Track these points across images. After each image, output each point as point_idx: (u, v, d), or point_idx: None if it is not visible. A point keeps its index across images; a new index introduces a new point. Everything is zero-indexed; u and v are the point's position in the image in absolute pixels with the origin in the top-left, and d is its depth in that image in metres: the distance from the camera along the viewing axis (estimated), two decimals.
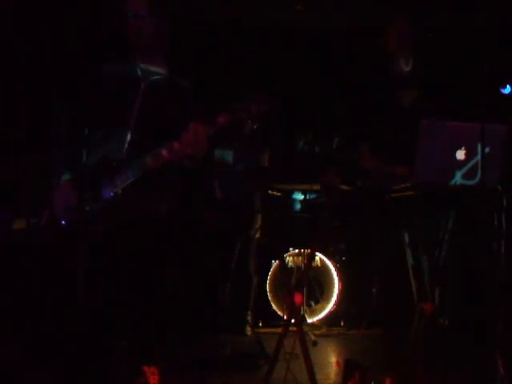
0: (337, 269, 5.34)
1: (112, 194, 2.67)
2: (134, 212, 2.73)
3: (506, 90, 2.98)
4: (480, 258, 2.90)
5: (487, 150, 2.87)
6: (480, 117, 2.85)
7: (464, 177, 2.97)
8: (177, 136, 2.68)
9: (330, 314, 5.29)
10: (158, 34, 2.86)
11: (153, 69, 2.91)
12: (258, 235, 5.20)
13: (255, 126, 4.72)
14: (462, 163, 2.96)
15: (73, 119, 2.84)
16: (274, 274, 5.44)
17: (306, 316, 5.06)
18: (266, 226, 5.23)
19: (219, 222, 5.10)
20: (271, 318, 5.32)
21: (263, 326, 5.27)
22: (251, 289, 5.17)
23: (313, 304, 5.32)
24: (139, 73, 2.88)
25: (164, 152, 2.66)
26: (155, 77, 2.89)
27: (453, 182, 2.97)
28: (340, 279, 5.32)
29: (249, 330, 5.02)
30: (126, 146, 2.76)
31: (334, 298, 5.28)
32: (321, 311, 5.29)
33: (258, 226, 5.22)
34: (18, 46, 5.02)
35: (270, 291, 5.41)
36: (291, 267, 5.36)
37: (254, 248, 5.21)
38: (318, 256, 5.37)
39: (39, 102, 4.72)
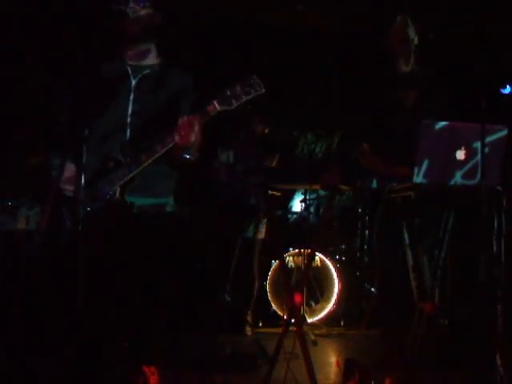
0: (337, 269, 5.34)
1: (111, 192, 2.68)
2: (133, 212, 2.73)
3: (506, 90, 2.98)
4: (480, 258, 2.89)
5: (487, 150, 2.87)
6: (480, 117, 2.85)
7: (464, 177, 2.97)
8: (171, 126, 2.70)
9: (330, 313, 5.29)
10: (152, 23, 2.85)
11: (142, 64, 2.89)
12: (261, 236, 5.19)
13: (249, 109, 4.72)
14: (462, 163, 2.96)
15: (72, 119, 2.84)
16: (273, 274, 5.43)
17: (306, 316, 5.06)
18: (268, 226, 5.22)
19: (219, 221, 5.10)
20: (271, 318, 5.32)
21: (263, 326, 5.27)
22: (254, 289, 5.17)
23: (313, 304, 5.32)
24: (129, 70, 2.87)
25: (158, 146, 2.67)
26: (145, 71, 2.88)
27: (453, 182, 2.97)
28: (340, 279, 5.31)
29: (249, 330, 5.01)
30: (125, 145, 2.76)
31: (334, 298, 5.27)
32: (321, 311, 5.29)
33: (261, 227, 5.20)
34: (17, 46, 5.02)
35: (270, 291, 5.41)
36: (291, 267, 5.36)
37: (257, 248, 5.20)
38: (318, 256, 5.37)
39: (39, 102, 4.72)
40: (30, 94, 5.04)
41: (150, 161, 2.67)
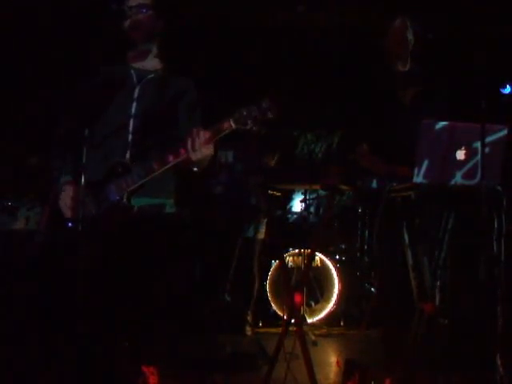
0: (337, 269, 5.34)
1: (118, 197, 2.67)
2: (134, 212, 2.73)
3: (506, 90, 2.98)
4: (480, 258, 2.89)
5: (487, 150, 2.87)
6: (480, 117, 2.85)
7: (464, 177, 2.97)
8: (176, 132, 2.71)
9: (330, 314, 5.29)
10: (155, 28, 2.86)
11: (147, 67, 2.90)
12: (261, 236, 5.19)
13: (262, 131, 4.74)
14: (462, 163, 2.96)
15: (73, 120, 2.83)
16: (273, 274, 5.44)
17: (305, 316, 5.06)
18: (268, 226, 5.22)
19: (219, 222, 5.10)
20: (271, 318, 5.32)
21: (263, 326, 5.27)
22: (254, 289, 5.17)
23: (313, 304, 5.32)
24: (133, 74, 2.88)
25: (170, 157, 2.65)
26: (150, 76, 2.89)
27: (453, 182, 2.97)
28: (340, 279, 5.32)
29: (249, 330, 5.02)
30: (128, 147, 2.76)
31: (334, 298, 5.28)
32: (321, 311, 5.29)
33: (261, 227, 5.20)
34: (18, 47, 5.02)
35: (270, 291, 5.41)
36: (291, 267, 5.36)
37: (258, 248, 5.20)
38: (318, 256, 5.37)
39: (39, 102, 4.72)
40: (30, 94, 5.04)
41: (161, 170, 2.67)
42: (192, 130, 2.62)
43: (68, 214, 2.70)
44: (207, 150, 2.63)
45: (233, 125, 2.61)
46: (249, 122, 2.61)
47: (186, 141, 2.61)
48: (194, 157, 2.62)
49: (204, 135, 2.60)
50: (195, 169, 2.76)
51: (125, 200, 2.68)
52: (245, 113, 2.61)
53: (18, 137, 4.84)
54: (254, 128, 2.64)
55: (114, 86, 2.83)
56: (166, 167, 2.67)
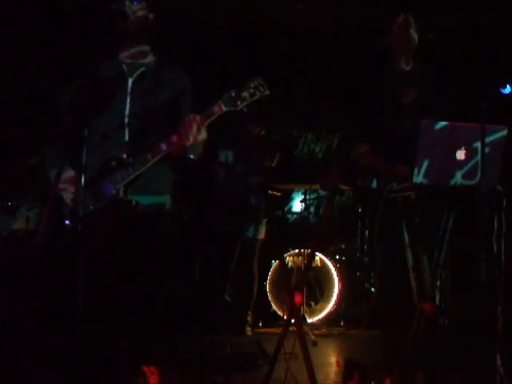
0: (337, 269, 5.34)
1: (114, 191, 2.67)
2: (134, 211, 2.73)
3: (506, 90, 2.97)
4: (480, 258, 2.89)
5: (487, 150, 2.86)
6: (480, 117, 2.85)
7: (464, 177, 2.97)
8: (172, 125, 2.70)
9: (330, 314, 5.29)
10: (146, 24, 2.83)
11: (138, 61, 2.87)
12: (261, 236, 5.18)
13: (263, 131, 4.70)
14: (462, 163, 2.96)
15: (72, 120, 2.82)
16: (273, 273, 5.44)
17: (306, 316, 5.06)
18: (268, 226, 5.22)
19: (219, 221, 5.10)
20: (271, 318, 5.32)
21: (263, 326, 5.27)
22: (254, 289, 5.17)
23: (313, 304, 5.32)
24: (125, 69, 2.85)
25: (163, 146, 2.66)
26: (141, 69, 2.86)
27: (453, 182, 2.97)
28: (340, 279, 5.32)
29: (249, 330, 5.02)
30: (126, 144, 2.75)
31: (334, 298, 5.28)
32: (321, 311, 5.29)
33: (262, 227, 5.19)
34: (17, 46, 5.03)
35: (270, 291, 5.41)
36: (291, 267, 5.36)
37: (257, 248, 5.20)
38: (318, 256, 5.37)
39: (38, 102, 4.73)
40: (30, 94, 5.04)
41: (155, 160, 2.67)
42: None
43: (69, 191, 2.69)
44: (199, 135, 2.64)
45: (223, 107, 2.63)
46: (238, 102, 2.63)
47: (177, 127, 2.62)
48: (187, 142, 2.63)
49: (195, 120, 2.61)
50: (192, 156, 2.76)
51: (121, 194, 2.67)
52: (233, 94, 2.63)
53: (18, 137, 4.84)
54: (245, 109, 2.66)
55: (107, 82, 2.81)
56: (160, 156, 2.67)
